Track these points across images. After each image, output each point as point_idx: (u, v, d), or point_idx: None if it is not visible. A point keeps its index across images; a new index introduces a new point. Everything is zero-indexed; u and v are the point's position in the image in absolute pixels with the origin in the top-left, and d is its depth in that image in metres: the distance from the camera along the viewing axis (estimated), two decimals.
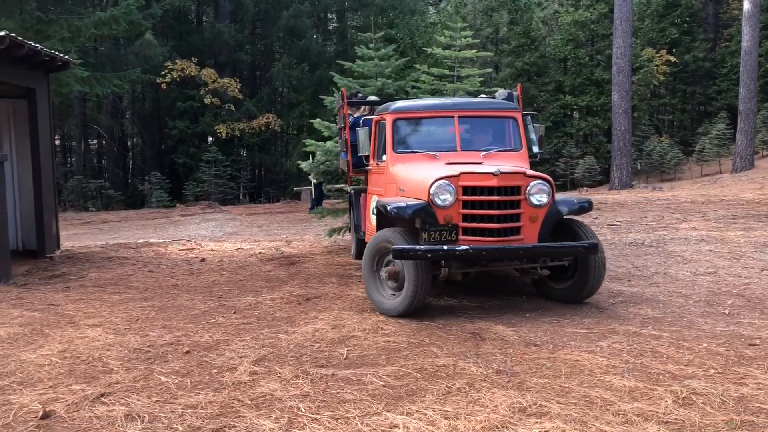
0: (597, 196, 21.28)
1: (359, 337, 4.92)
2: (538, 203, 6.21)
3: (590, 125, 30.52)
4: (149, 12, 23.32)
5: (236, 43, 28.47)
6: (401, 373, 4.07)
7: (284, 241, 11.57)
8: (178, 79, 25.27)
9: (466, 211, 6.14)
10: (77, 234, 14.31)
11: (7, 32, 7.62)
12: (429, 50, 13.57)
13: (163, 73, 25.01)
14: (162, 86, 25.08)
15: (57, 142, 31.63)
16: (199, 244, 11.40)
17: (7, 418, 3.47)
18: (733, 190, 18.77)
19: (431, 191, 5.95)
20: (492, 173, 6.15)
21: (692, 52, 36.78)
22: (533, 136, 7.49)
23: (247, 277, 7.69)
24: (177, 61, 25.55)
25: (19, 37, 7.87)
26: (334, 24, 32.66)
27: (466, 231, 6.17)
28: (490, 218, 6.19)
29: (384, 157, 7.05)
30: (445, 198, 6.04)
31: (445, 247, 5.83)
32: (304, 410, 3.52)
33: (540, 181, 6.33)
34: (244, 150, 32.38)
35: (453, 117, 7.29)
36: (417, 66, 12.25)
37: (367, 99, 8.73)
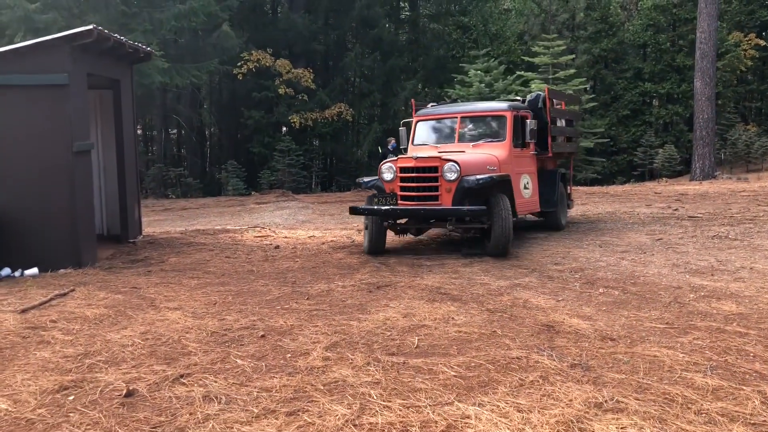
0: (677, 186, 20.22)
1: (430, 326, 4.97)
2: (448, 179, 8.69)
3: (670, 113, 29.59)
4: (226, 4, 23.84)
5: (310, 34, 29.20)
6: (473, 364, 4.08)
7: (356, 229, 11.62)
8: (253, 69, 25.84)
9: (401, 184, 8.90)
10: (158, 220, 14.78)
11: (94, 25, 7.85)
12: (531, 60, 16.38)
13: (239, 63, 25.54)
14: (238, 77, 25.72)
15: (139, 132, 32.36)
16: (273, 231, 11.50)
17: (94, 395, 3.64)
18: None
19: (380, 171, 8.86)
20: (413, 158, 8.89)
21: None
22: (528, 129, 9.90)
23: (319, 264, 7.84)
24: (252, 51, 26.03)
25: (105, 30, 8.06)
26: (407, 12, 32.96)
27: (404, 198, 8.75)
28: (417, 189, 8.84)
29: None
30: (387, 176, 8.91)
31: (374, 207, 8.65)
32: (375, 397, 3.57)
33: (451, 163, 8.85)
34: (316, 140, 32.51)
35: (457, 117, 10.16)
36: (520, 73, 16.23)
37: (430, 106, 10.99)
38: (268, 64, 25.82)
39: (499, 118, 10.05)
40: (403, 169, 9.28)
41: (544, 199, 10.91)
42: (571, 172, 12.78)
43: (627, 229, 10.82)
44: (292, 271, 7.43)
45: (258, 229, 12.06)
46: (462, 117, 10.35)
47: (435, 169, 9.09)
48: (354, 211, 9.47)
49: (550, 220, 11.37)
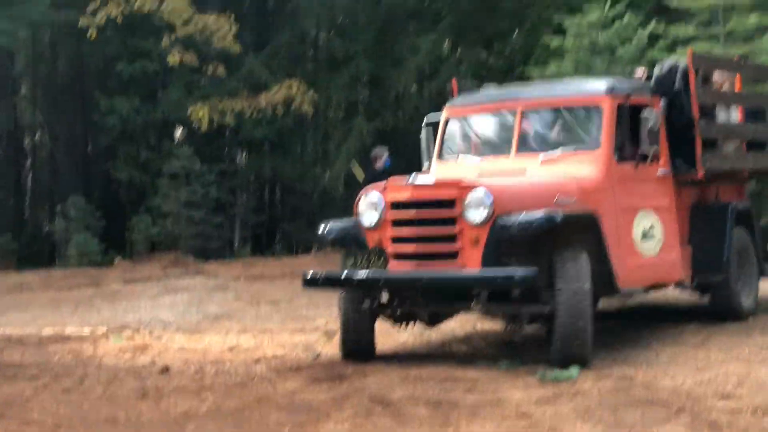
0: None
1: None
2: (472, 221, 8.50)
3: None
4: None
5: None
6: None
7: (321, 331, 11.71)
8: (117, 19, 25.03)
9: (394, 231, 9.04)
10: None
11: None
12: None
13: (92, 8, 24.80)
14: (89, 34, 25.25)
15: None
16: (159, 338, 11.73)
17: None
18: None
19: (357, 208, 9.46)
20: (410, 185, 8.89)
21: None
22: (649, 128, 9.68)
23: (249, 405, 7.90)
24: None
25: None
26: None
27: (398, 256, 9.01)
28: (419, 239, 8.88)
29: None
30: (369, 216, 9.23)
31: (344, 275, 9.13)
32: None
33: (479, 191, 8.44)
34: (242, 151, 31.46)
35: (516, 110, 10.16)
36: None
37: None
38: (148, 9, 25.09)
39: (589, 111, 9.80)
40: (396, 205, 8.79)
41: (702, 259, 10.61)
42: None
43: None
44: (196, 420, 7.47)
45: (128, 333, 12.11)
46: (525, 109, 9.98)
47: (450, 203, 8.57)
48: (310, 282, 9.30)
49: (716, 299, 10.87)
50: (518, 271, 8.25)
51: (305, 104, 26.35)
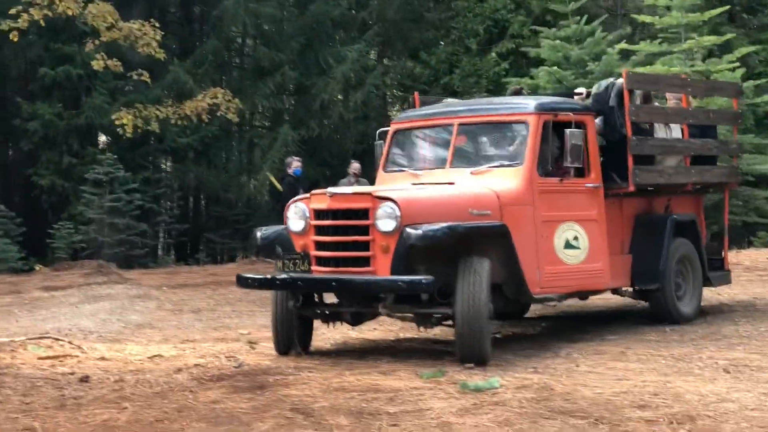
0: None
1: None
2: (382, 229, 9.15)
3: None
4: None
5: None
6: None
7: (245, 340, 11.74)
8: (41, 22, 24.70)
9: (316, 237, 9.76)
10: None
11: None
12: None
13: (13, 11, 24.34)
14: (11, 36, 24.77)
15: None
16: (79, 347, 11.47)
17: None
18: None
19: (286, 215, 10.30)
20: (327, 194, 9.54)
21: None
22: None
23: (170, 415, 7.81)
24: None
25: None
26: None
27: (320, 261, 9.74)
28: (336, 246, 9.49)
29: None
30: (295, 223, 10.02)
31: (268, 276, 10.30)
32: None
33: (387, 204, 9.04)
34: (167, 159, 31.57)
35: (453, 124, 10.75)
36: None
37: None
38: (71, 12, 24.67)
39: (517, 127, 10.38)
40: (317, 213, 9.49)
41: (640, 267, 11.25)
42: (726, 219, 13.18)
43: None
44: (116, 431, 7.36)
45: (47, 342, 11.86)
46: (462, 124, 10.56)
47: (364, 213, 9.23)
48: (242, 281, 10.30)
49: (654, 305, 11.49)
50: (412, 279, 9.06)
51: (230, 112, 26.15)
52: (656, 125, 11.78)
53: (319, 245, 9.55)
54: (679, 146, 11.99)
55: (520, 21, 32.25)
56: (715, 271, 12.44)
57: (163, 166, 28.89)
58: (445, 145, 10.73)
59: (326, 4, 28.71)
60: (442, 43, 32.85)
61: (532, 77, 16.79)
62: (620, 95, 11.02)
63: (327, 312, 10.17)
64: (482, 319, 8.93)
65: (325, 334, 11.53)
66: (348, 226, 9.43)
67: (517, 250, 9.57)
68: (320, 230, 9.57)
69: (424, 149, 11.21)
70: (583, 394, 7.96)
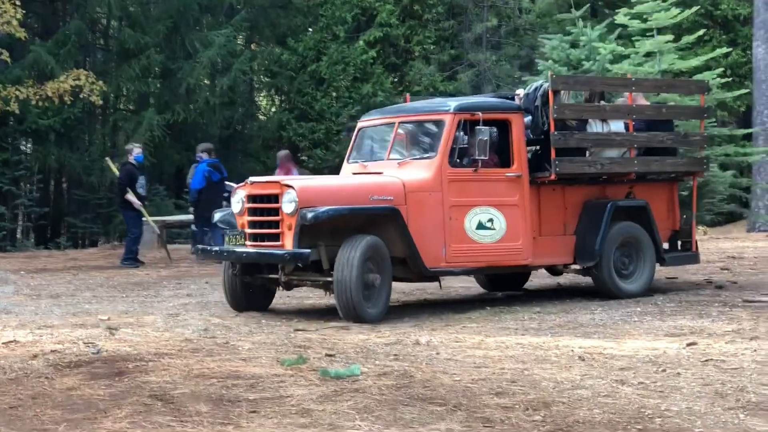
0: (724, 243, 20.94)
1: None
2: (286, 211, 10.87)
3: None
4: None
5: None
6: None
7: (104, 326, 11.53)
8: None
9: (248, 217, 11.74)
10: None
11: None
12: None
13: None
14: None
15: None
16: None
17: None
18: None
19: (232, 198, 12.53)
20: (248, 182, 11.45)
21: None
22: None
23: (24, 402, 7.65)
24: None
25: None
26: None
27: (251, 237, 11.71)
28: (259, 225, 11.46)
29: None
30: (235, 206, 12.09)
31: (211, 248, 13.20)
32: None
33: (289, 190, 10.72)
34: (27, 140, 30.58)
35: (395, 123, 12.38)
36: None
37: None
38: None
39: (437, 124, 11.84)
40: (248, 197, 11.39)
41: (581, 247, 12.56)
42: (695, 205, 13.94)
43: (635, 320, 11.10)
44: None
45: None
46: (401, 122, 12.27)
47: (276, 198, 10.98)
48: (195, 252, 13.87)
49: (595, 280, 12.70)
50: (296, 252, 10.94)
51: (94, 95, 25.59)
52: (591, 121, 12.90)
53: (249, 224, 11.49)
54: (617, 139, 13.02)
55: (388, 10, 32.50)
56: (685, 252, 13.80)
57: (23, 148, 28.06)
58: (388, 140, 12.35)
59: None
60: (310, 29, 32.85)
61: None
62: (545, 95, 12.27)
63: (259, 278, 11.90)
64: (353, 285, 10.62)
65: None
66: (265, 209, 11.27)
67: (420, 230, 11.21)
68: (249, 211, 11.46)
69: (374, 144, 12.77)
70: (442, 382, 8.01)
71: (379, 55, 31.56)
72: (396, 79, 32.45)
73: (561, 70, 15.54)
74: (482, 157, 11.41)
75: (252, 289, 12.00)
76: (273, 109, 35.45)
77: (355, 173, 12.21)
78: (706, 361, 8.69)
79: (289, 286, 11.98)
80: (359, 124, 13.09)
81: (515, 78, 33.33)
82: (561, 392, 7.52)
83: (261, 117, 35.27)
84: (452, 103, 12.03)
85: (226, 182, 18.06)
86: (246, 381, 8.11)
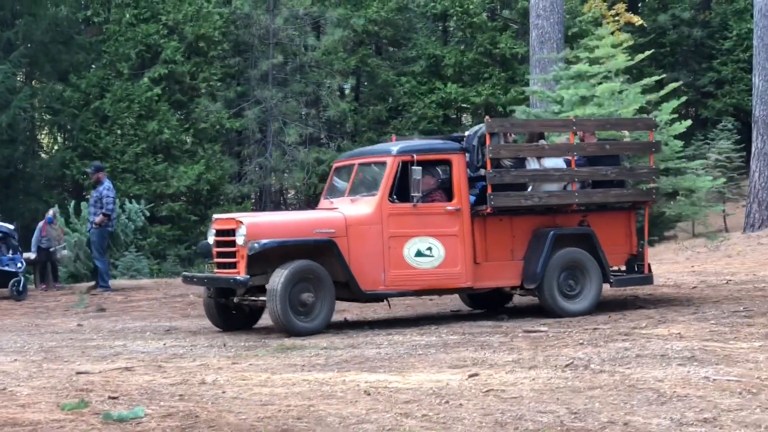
0: None
1: None
2: (238, 243, 12.52)
3: None
4: None
5: None
6: None
7: None
8: None
9: (216, 248, 13.46)
10: None
11: None
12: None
13: None
14: None
15: None
16: None
17: None
18: (747, 264, 19.47)
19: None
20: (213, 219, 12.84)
21: (669, 9, 38.52)
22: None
23: None
24: None
25: None
26: None
27: (218, 265, 13.37)
28: (221, 255, 13.19)
29: None
30: (209, 238, 13.87)
31: (190, 274, 14.93)
32: None
33: (241, 225, 12.43)
34: None
35: (354, 164, 13.93)
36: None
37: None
38: None
39: (381, 166, 13.39)
40: (216, 232, 13.13)
41: (526, 270, 13.79)
42: (647, 232, 15.07)
43: (420, 353, 11.11)
44: None
45: None
46: (359, 164, 13.86)
47: (233, 232, 12.68)
48: (183, 279, 14.82)
49: (540, 300, 13.78)
50: (236, 277, 12.89)
51: None
52: (528, 159, 14.07)
53: (216, 254, 13.19)
54: (556, 174, 14.21)
55: (173, 46, 32.24)
56: (639, 274, 14.88)
57: None
58: (349, 180, 13.81)
59: None
60: (93, 66, 32.24)
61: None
62: (481, 137, 13.58)
63: (230, 301, 13.41)
64: (279, 304, 12.37)
65: None
66: (225, 241, 12.93)
67: (360, 258, 12.86)
68: (216, 243, 13.18)
69: (339, 183, 14.16)
70: (227, 421, 7.89)
71: (165, 92, 31.23)
72: (182, 116, 32.16)
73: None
74: (416, 194, 12.84)
75: (234, 311, 13.57)
76: (56, 147, 34.53)
77: (322, 208, 14.03)
78: (488, 391, 8.77)
79: (243, 308, 13.46)
80: (334, 165, 14.94)
81: (302, 115, 33.57)
82: (347, 427, 7.52)
83: (43, 155, 34.27)
84: (394, 147, 13.56)
85: None
86: (23, 428, 7.68)
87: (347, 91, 36.09)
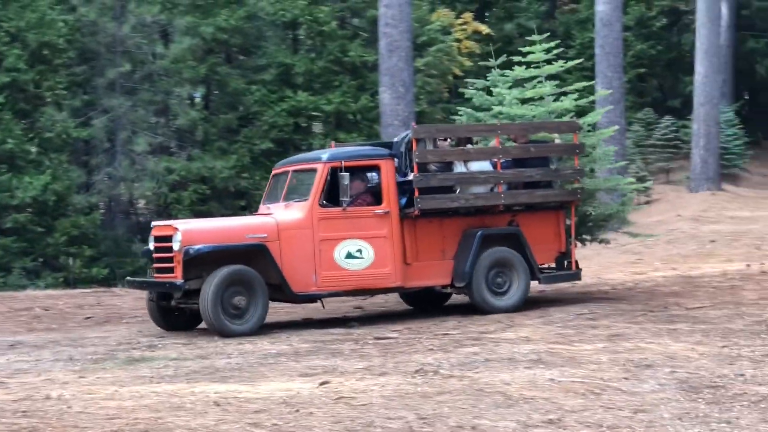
0: None
1: None
2: (174, 249, 12.97)
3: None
4: None
5: None
6: None
7: None
8: None
9: (155, 254, 13.89)
10: None
11: None
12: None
13: None
14: None
15: None
16: None
17: None
18: (593, 268, 20.59)
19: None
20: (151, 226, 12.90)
21: (515, 18, 40.78)
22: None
23: None
24: None
25: None
26: None
27: (157, 270, 13.47)
28: (159, 260, 13.55)
29: None
30: (150, 244, 14.36)
31: (135, 279, 15.50)
32: None
33: (177, 231, 12.89)
34: None
35: (289, 171, 14.40)
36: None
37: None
38: None
39: (312, 173, 13.87)
40: (155, 238, 13.43)
41: (456, 269, 14.43)
42: (573, 224, 15.59)
43: (270, 362, 11.17)
44: None
45: None
46: (293, 171, 14.32)
47: (170, 238, 13.08)
48: (125, 283, 15.06)
49: (469, 297, 14.40)
50: (172, 281, 13.39)
51: None
52: (456, 162, 14.73)
53: (155, 259, 13.51)
54: (481, 177, 14.81)
55: (15, 54, 31.47)
56: (567, 271, 15.55)
57: None
58: (284, 186, 14.21)
59: None
60: None
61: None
62: (408, 143, 14.19)
63: (170, 304, 13.80)
64: (210, 308, 12.98)
65: None
66: (163, 247, 13.37)
67: (292, 261, 13.41)
68: (155, 249, 13.59)
69: (276, 189, 14.70)
70: None
71: (8, 101, 30.43)
72: (27, 126, 31.41)
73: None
74: (344, 198, 13.41)
75: (176, 313, 13.99)
76: None
77: (259, 213, 14.53)
78: (338, 399, 8.82)
79: (184, 310, 13.69)
80: (273, 172, 15.24)
81: (151, 123, 33.12)
82: None
83: None
84: (324, 154, 14.17)
85: None
86: None
87: (197, 100, 35.68)
